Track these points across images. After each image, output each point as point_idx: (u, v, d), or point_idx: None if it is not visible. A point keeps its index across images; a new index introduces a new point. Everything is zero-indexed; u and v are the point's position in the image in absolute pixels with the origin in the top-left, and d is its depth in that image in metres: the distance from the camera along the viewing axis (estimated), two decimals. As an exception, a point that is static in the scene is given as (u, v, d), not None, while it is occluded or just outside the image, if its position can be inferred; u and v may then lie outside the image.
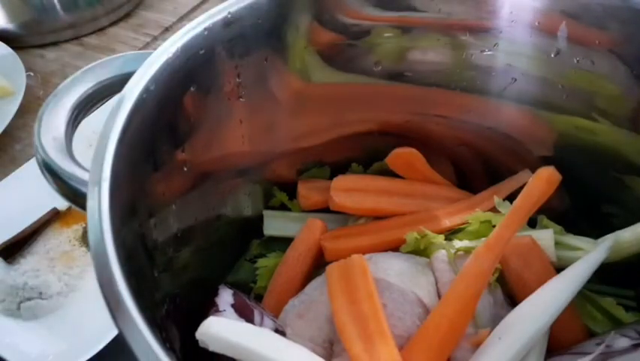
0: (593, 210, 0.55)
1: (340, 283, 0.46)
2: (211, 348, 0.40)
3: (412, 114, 0.57)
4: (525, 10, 0.49)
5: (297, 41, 0.49)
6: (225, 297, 0.48)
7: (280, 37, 0.49)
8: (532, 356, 0.44)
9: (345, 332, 0.43)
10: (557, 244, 0.51)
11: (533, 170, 0.52)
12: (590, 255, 0.47)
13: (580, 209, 0.56)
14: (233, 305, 0.47)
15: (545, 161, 0.52)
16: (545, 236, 0.51)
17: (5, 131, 0.89)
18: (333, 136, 0.58)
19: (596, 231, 0.52)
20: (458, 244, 0.52)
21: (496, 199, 0.55)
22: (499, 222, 0.48)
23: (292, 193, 0.60)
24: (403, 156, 0.58)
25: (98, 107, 0.47)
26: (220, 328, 0.40)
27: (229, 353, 0.40)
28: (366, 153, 0.60)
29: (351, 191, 0.57)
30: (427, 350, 0.43)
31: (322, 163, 0.61)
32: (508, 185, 0.57)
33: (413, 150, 0.57)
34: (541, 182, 0.49)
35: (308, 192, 0.59)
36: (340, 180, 0.57)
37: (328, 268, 0.48)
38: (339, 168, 0.60)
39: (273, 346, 0.40)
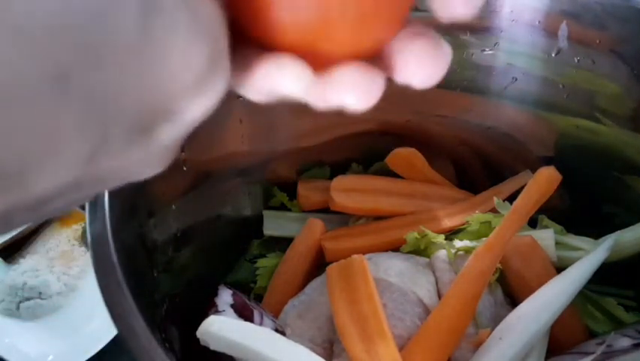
0: (594, 210, 0.55)
1: (340, 283, 0.46)
2: (212, 347, 0.40)
3: (412, 114, 0.57)
4: (525, 10, 0.48)
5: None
6: (225, 297, 0.48)
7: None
8: (533, 356, 0.44)
9: (346, 333, 0.43)
10: (558, 244, 0.51)
11: (534, 170, 0.52)
12: (591, 255, 0.47)
13: (580, 209, 0.56)
14: (232, 305, 0.47)
15: (546, 161, 0.52)
16: (546, 236, 0.51)
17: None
18: (333, 136, 0.58)
19: (596, 231, 0.52)
20: (458, 244, 0.51)
21: (496, 200, 0.55)
22: (499, 223, 0.48)
23: (292, 193, 0.60)
24: (403, 156, 0.57)
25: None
26: (221, 326, 0.40)
27: (230, 352, 0.40)
28: (366, 153, 0.60)
29: (351, 191, 0.57)
30: (427, 350, 0.43)
31: (322, 163, 0.61)
32: (508, 186, 0.57)
33: (413, 150, 0.57)
34: (542, 182, 0.49)
35: (308, 192, 0.59)
36: (340, 180, 0.57)
37: (328, 268, 0.47)
38: (339, 168, 0.60)
39: (273, 345, 0.40)
